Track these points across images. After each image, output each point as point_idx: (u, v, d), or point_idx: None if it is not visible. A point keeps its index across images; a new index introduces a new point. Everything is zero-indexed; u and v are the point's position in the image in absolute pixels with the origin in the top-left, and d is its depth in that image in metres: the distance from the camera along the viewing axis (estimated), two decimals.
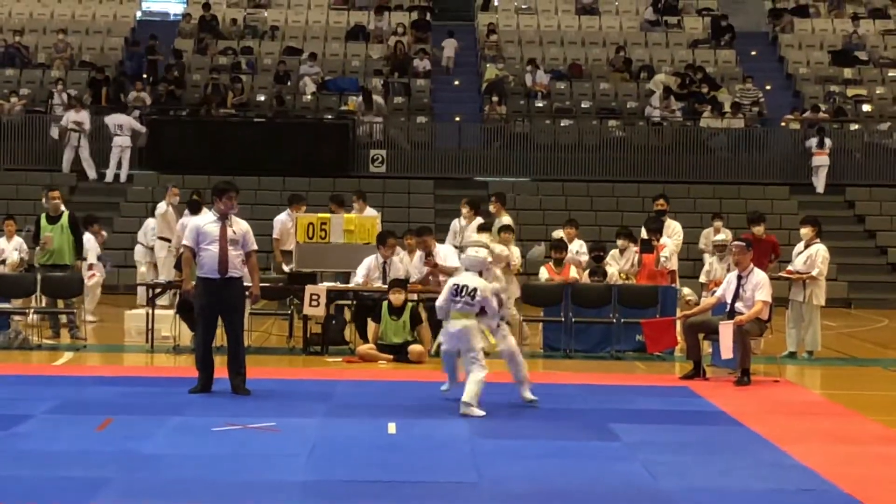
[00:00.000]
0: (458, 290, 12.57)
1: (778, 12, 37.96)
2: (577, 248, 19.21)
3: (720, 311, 15.30)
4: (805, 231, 17.86)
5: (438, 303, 12.84)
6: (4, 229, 19.93)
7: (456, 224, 20.12)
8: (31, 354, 17.00)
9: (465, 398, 12.24)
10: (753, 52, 36.83)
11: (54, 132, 30.51)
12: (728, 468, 9.97)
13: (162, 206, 21.80)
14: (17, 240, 19.90)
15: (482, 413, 12.16)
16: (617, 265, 18.69)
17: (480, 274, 12.78)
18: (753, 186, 30.66)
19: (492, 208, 20.34)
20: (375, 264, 17.49)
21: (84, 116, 29.88)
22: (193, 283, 13.49)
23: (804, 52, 36.51)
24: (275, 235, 20.16)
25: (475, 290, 12.55)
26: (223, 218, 13.38)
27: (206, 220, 13.58)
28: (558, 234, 19.76)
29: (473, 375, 12.38)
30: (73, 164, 30.12)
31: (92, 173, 30.01)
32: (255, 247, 13.66)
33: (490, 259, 13.05)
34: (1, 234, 19.77)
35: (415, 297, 17.00)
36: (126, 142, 29.96)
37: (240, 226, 13.47)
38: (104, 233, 22.17)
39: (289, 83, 33.45)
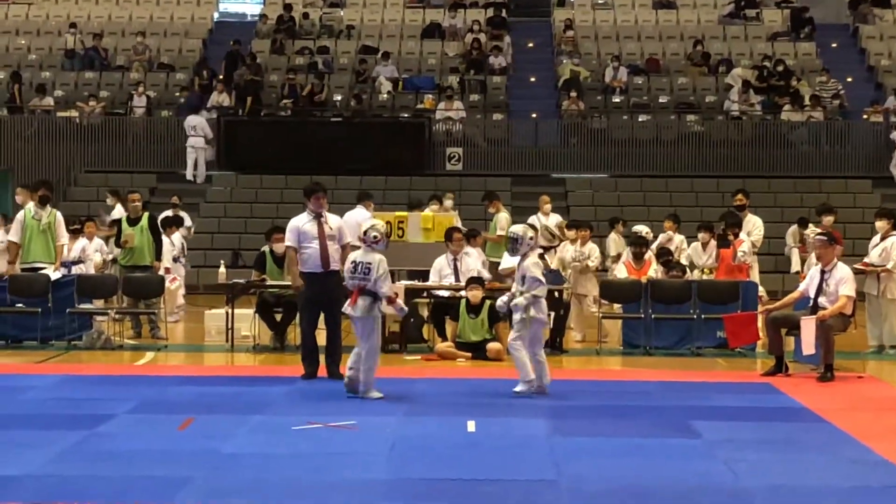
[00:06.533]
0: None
1: (858, 3, 37.47)
2: (678, 244, 19.24)
3: (803, 305, 15.13)
4: (880, 224, 17.61)
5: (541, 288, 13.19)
6: (85, 230, 20.16)
7: (535, 221, 20.13)
8: (114, 354, 17.17)
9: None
10: (834, 45, 36.40)
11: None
12: (811, 465, 9.85)
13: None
14: (98, 241, 20.14)
15: None
16: (700, 259, 18.60)
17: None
18: (835, 180, 30.32)
19: (491, 209, 20.94)
20: (445, 262, 17.50)
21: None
22: (300, 281, 14.26)
23: (885, 43, 36.01)
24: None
25: None
26: (318, 216, 14.16)
27: (303, 220, 14.26)
28: (639, 228, 19.64)
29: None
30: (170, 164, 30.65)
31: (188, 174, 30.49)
32: (350, 240, 14.41)
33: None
34: (80, 234, 19.93)
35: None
36: (200, 143, 30.24)
37: (334, 221, 14.37)
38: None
39: (367, 81, 33.55)
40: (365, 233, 13.09)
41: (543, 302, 13.23)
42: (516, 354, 13.15)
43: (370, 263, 12.83)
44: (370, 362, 12.93)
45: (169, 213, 23.27)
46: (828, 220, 18.96)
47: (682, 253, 19.22)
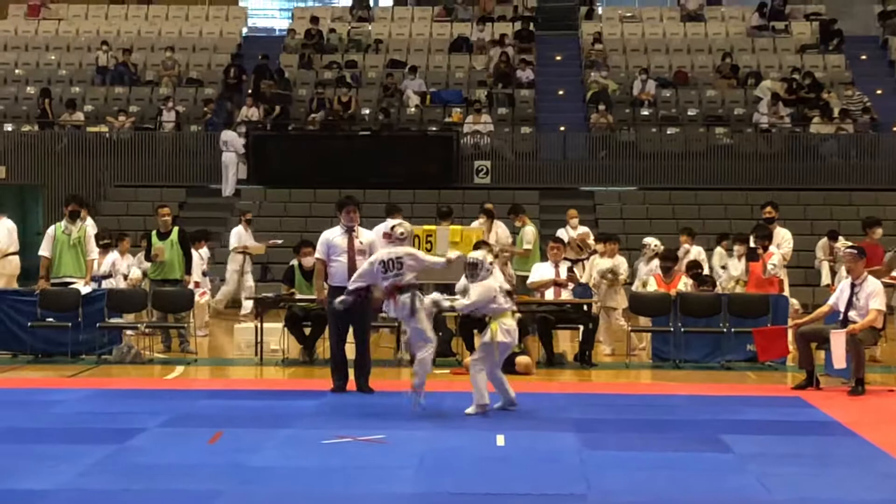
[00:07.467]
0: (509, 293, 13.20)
1: (888, 15, 37.33)
2: (695, 256, 19.16)
3: (833, 319, 15.06)
4: None
5: (485, 305, 13.01)
6: (119, 245, 20.24)
7: (563, 234, 20.09)
8: (143, 368, 17.21)
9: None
10: (863, 57, 36.26)
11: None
12: (842, 479, 9.80)
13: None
14: (131, 257, 20.22)
15: None
16: (736, 271, 18.54)
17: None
18: (865, 193, 30.14)
19: (517, 223, 20.83)
20: None
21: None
22: (325, 294, 14.40)
23: None
24: None
25: None
26: (350, 230, 14.30)
27: (335, 233, 14.41)
28: (649, 241, 19.46)
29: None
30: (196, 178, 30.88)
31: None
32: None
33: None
34: (108, 249, 19.94)
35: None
36: (229, 157, 30.38)
37: (366, 236, 14.41)
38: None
39: (394, 95, 33.61)
40: (392, 228, 13.21)
41: (513, 325, 13.12)
42: (475, 377, 12.96)
43: (401, 257, 12.84)
44: (421, 360, 12.79)
45: (240, 227, 24.12)
46: (876, 232, 18.84)
47: (704, 264, 19.14)
